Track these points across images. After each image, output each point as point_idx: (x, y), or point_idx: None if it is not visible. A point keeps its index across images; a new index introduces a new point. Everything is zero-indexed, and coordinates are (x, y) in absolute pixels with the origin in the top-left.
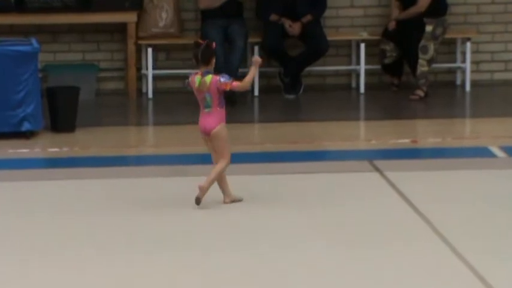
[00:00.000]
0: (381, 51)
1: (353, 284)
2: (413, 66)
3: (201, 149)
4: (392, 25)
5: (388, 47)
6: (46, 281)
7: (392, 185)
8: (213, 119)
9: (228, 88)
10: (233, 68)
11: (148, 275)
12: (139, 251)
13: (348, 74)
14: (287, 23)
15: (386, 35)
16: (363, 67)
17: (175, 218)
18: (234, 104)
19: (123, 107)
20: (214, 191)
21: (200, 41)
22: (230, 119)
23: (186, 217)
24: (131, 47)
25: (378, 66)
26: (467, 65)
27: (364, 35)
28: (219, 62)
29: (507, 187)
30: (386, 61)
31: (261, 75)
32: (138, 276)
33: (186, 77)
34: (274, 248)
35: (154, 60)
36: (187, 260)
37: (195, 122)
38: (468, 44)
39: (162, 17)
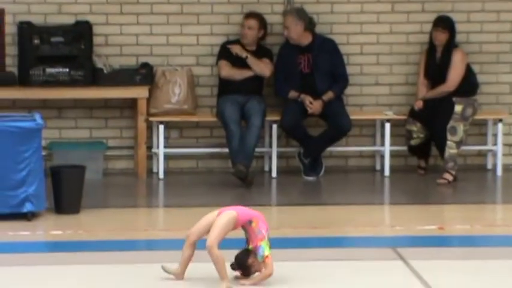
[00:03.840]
0: (407, 132)
1: None
2: (442, 148)
3: None
4: (419, 104)
5: (415, 127)
6: None
7: (417, 274)
8: None
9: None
10: (249, 146)
11: None
12: None
13: (372, 155)
14: (307, 100)
15: (413, 115)
16: (387, 148)
17: None
18: (251, 185)
19: (132, 187)
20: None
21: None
22: (246, 202)
23: None
24: (141, 124)
25: (403, 148)
26: (499, 148)
27: (390, 114)
28: (235, 141)
29: None
30: (413, 142)
31: (280, 155)
32: None
33: (199, 156)
34: None
35: (166, 138)
36: None
37: (208, 204)
38: (500, 125)
39: (175, 92)
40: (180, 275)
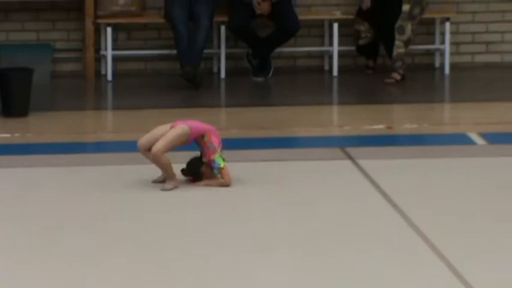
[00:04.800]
0: (355, 32)
1: (318, 281)
2: (389, 47)
3: None
4: (366, 4)
5: (363, 27)
6: None
7: (365, 173)
8: None
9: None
10: (198, 48)
11: (106, 268)
12: (93, 244)
13: (320, 55)
14: (255, 0)
15: (361, 14)
16: (336, 48)
17: (135, 204)
18: (199, 87)
19: (80, 90)
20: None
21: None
22: (195, 103)
23: (145, 202)
24: (89, 26)
25: (352, 48)
26: (447, 47)
27: (338, 14)
28: (183, 42)
29: (485, 175)
30: (361, 42)
31: (228, 56)
32: (94, 272)
33: (147, 58)
34: (236, 240)
35: (114, 40)
36: (146, 249)
37: (156, 106)
38: (447, 25)
39: None
40: (173, 181)
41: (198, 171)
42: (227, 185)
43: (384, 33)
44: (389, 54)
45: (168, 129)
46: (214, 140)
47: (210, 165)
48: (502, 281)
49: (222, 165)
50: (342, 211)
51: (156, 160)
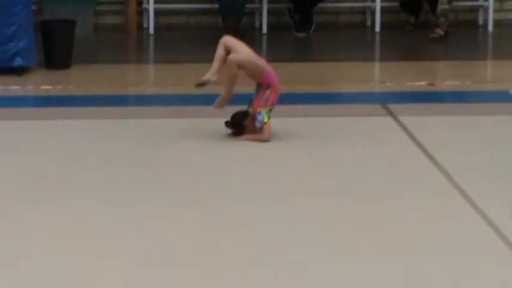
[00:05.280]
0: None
1: (360, 234)
2: (433, 3)
3: (202, 89)
4: None
5: None
6: (38, 225)
7: (406, 130)
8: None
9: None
10: (240, 2)
11: (151, 216)
12: (140, 195)
13: (363, 11)
14: None
15: None
16: (378, 4)
17: (177, 158)
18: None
19: (122, 43)
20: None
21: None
22: None
23: (187, 158)
24: None
25: (394, 4)
26: (490, 3)
27: None
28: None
29: None
30: None
31: (270, 11)
32: (141, 218)
33: (189, 12)
34: (278, 194)
35: None
36: (190, 201)
37: (198, 60)
38: None
39: None
40: (213, 78)
41: (241, 124)
42: (267, 141)
43: None
44: (433, 10)
45: (254, 55)
46: (272, 97)
47: (255, 116)
48: None
49: (265, 120)
50: (381, 165)
51: (230, 62)
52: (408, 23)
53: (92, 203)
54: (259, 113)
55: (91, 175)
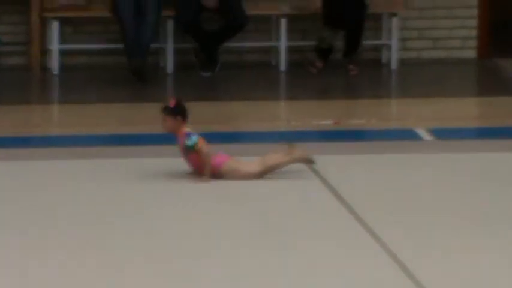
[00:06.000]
0: (319, 37)
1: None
2: (354, 43)
3: (107, 129)
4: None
5: (330, 35)
6: None
7: (313, 169)
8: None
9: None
10: (145, 42)
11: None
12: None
13: (268, 50)
14: None
15: (328, 20)
16: (283, 43)
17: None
18: (146, 81)
19: (26, 84)
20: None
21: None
22: (142, 98)
23: (91, 200)
24: (35, 20)
25: (300, 43)
26: (394, 42)
27: (286, 9)
28: (130, 36)
29: (432, 171)
30: (325, 46)
31: (175, 51)
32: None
33: (94, 52)
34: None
35: (61, 34)
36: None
37: (103, 100)
38: (395, 20)
39: None
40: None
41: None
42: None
43: (350, 31)
44: (350, 50)
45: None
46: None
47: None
48: (439, 267)
49: (197, 142)
50: (288, 205)
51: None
52: (314, 65)
53: None
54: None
55: None
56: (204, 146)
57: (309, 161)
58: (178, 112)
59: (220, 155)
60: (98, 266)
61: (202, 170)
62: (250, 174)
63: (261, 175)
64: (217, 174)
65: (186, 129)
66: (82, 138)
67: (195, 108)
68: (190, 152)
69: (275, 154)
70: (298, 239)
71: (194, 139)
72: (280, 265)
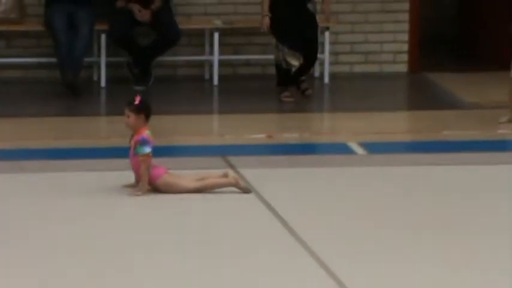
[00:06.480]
0: (285, 63)
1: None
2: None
3: (39, 143)
4: (266, 23)
5: (295, 60)
6: None
7: (246, 182)
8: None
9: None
10: (78, 56)
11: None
12: None
13: (201, 64)
14: (136, 8)
15: (287, 43)
16: (216, 57)
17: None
18: (79, 95)
19: None
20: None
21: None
22: (75, 112)
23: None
24: None
25: (232, 57)
26: (326, 56)
27: (218, 23)
28: (63, 50)
29: (364, 185)
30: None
31: (109, 64)
32: None
33: (27, 66)
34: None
35: None
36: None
37: (36, 114)
38: (327, 34)
39: (2, 1)
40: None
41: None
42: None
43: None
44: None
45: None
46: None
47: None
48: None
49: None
50: (221, 219)
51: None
52: (285, 96)
53: None
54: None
55: None
56: (147, 162)
57: (245, 190)
58: (142, 110)
59: (158, 168)
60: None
61: (139, 175)
62: (186, 189)
63: (195, 191)
64: (153, 186)
65: (146, 132)
66: (14, 152)
67: None
68: (137, 155)
69: (214, 174)
70: (231, 250)
71: (145, 150)
72: (214, 275)
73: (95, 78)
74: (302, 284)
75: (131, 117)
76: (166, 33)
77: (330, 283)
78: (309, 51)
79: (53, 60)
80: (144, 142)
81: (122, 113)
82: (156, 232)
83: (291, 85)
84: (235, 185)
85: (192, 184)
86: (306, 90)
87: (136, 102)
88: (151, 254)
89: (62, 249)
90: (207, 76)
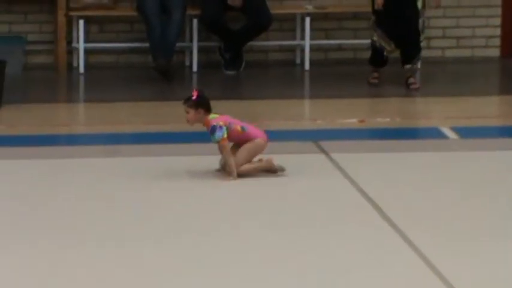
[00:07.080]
0: (375, 46)
1: (291, 269)
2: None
3: (134, 127)
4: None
5: (388, 46)
6: None
7: (338, 167)
8: None
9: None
10: (170, 41)
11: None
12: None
13: (292, 49)
14: None
15: (379, 21)
16: (308, 42)
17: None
18: (172, 80)
19: (52, 82)
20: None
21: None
22: (167, 96)
23: (120, 198)
24: (61, 19)
25: (323, 41)
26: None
27: (310, 8)
28: (156, 35)
29: (458, 170)
30: (386, 53)
31: (200, 49)
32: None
33: (120, 51)
34: (194, 234)
35: (86, 33)
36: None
37: (128, 99)
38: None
39: None
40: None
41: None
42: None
43: (406, 38)
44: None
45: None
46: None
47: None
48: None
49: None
50: (315, 204)
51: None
52: (373, 77)
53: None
54: (220, 127)
55: (23, 216)
56: (225, 146)
57: (281, 169)
58: (200, 104)
59: (254, 129)
60: (120, 257)
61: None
62: (241, 163)
63: (240, 172)
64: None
65: (212, 120)
66: (108, 137)
67: (220, 107)
68: (216, 143)
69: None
70: (322, 235)
71: (218, 136)
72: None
73: (187, 63)
74: (398, 269)
75: (190, 113)
76: (257, 18)
77: (433, 279)
78: (405, 37)
79: (145, 45)
80: (213, 130)
81: (213, 98)
82: (257, 215)
83: (381, 66)
84: (270, 167)
85: (246, 165)
86: (411, 84)
87: (194, 97)
88: (256, 235)
89: (168, 231)
90: (298, 61)
